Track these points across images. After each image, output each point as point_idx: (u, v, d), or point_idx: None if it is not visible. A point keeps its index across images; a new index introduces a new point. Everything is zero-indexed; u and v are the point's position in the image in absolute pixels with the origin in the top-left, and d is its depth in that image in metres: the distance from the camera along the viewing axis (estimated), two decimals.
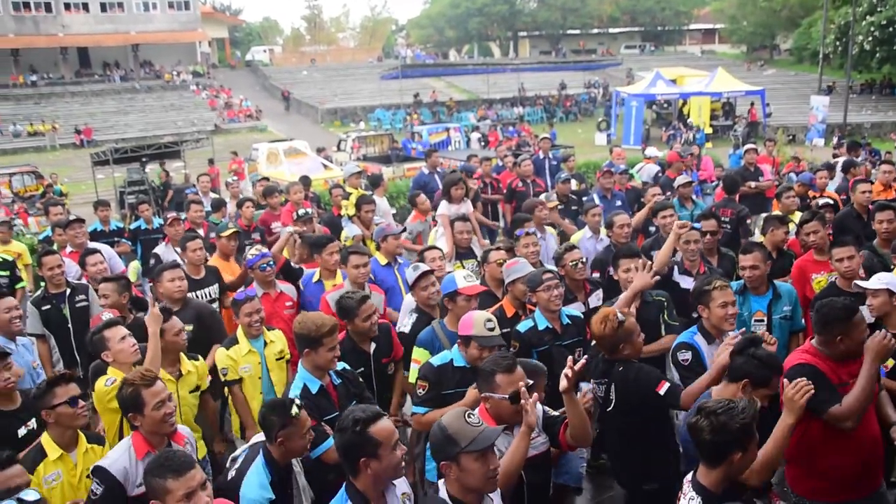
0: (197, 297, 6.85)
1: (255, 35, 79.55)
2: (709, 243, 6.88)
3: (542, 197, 9.58)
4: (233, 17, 75.65)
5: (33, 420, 4.53)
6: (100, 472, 3.73)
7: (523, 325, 5.35)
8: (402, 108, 45.28)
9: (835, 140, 26.97)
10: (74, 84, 52.40)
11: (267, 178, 14.40)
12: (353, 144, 27.13)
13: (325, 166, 22.76)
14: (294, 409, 3.89)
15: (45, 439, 4.07)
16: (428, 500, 3.30)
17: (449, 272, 5.98)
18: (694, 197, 9.97)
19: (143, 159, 21.16)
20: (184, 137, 25.75)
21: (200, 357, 5.47)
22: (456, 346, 4.68)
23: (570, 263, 6.17)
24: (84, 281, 7.42)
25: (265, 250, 6.72)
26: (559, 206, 9.27)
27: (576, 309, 5.95)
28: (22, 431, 4.50)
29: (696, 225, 6.76)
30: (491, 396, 3.74)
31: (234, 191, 13.14)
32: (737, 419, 3.13)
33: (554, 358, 5.08)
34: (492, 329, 4.49)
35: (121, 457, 3.80)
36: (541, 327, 5.33)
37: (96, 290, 6.93)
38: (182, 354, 5.22)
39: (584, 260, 6.32)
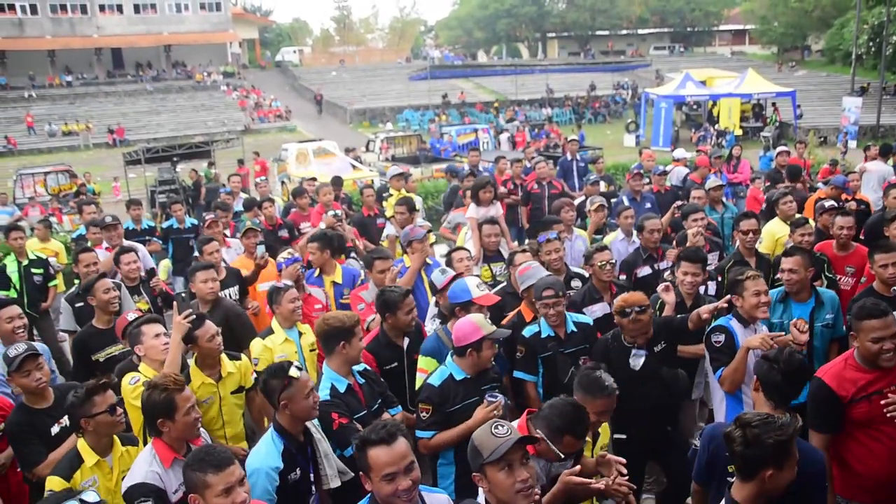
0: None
1: (284, 36, 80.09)
2: (749, 242, 6.87)
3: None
4: (263, 18, 76.29)
5: (65, 418, 4.54)
6: (140, 488, 3.61)
7: (528, 331, 5.30)
8: (430, 108, 45.36)
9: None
10: (108, 84, 53.24)
11: (314, 179, 14.34)
12: (382, 145, 27.22)
13: (354, 167, 22.88)
14: (293, 371, 3.93)
15: (82, 445, 4.04)
16: None
17: (475, 275, 5.97)
18: (725, 200, 9.87)
19: (174, 159, 21.40)
20: (214, 137, 25.98)
21: (244, 356, 5.44)
22: (451, 359, 4.55)
23: (599, 264, 6.18)
24: (117, 279, 7.54)
25: (297, 254, 6.85)
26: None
27: (599, 312, 5.99)
28: (55, 429, 4.57)
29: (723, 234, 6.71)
30: (546, 443, 3.63)
31: (262, 190, 13.23)
32: (772, 434, 3.05)
33: (557, 364, 5.18)
34: (490, 322, 4.52)
35: (150, 467, 3.71)
36: (544, 334, 5.29)
37: (129, 289, 7.07)
38: (223, 356, 5.18)
39: (612, 261, 6.32)
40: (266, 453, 3.91)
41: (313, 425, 4.19)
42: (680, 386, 5.31)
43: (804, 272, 5.54)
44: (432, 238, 9.43)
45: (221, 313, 6.24)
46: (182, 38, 56.42)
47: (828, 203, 7.81)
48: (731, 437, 3.14)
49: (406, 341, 5.36)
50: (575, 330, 5.39)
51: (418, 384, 4.99)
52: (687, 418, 6.05)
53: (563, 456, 3.66)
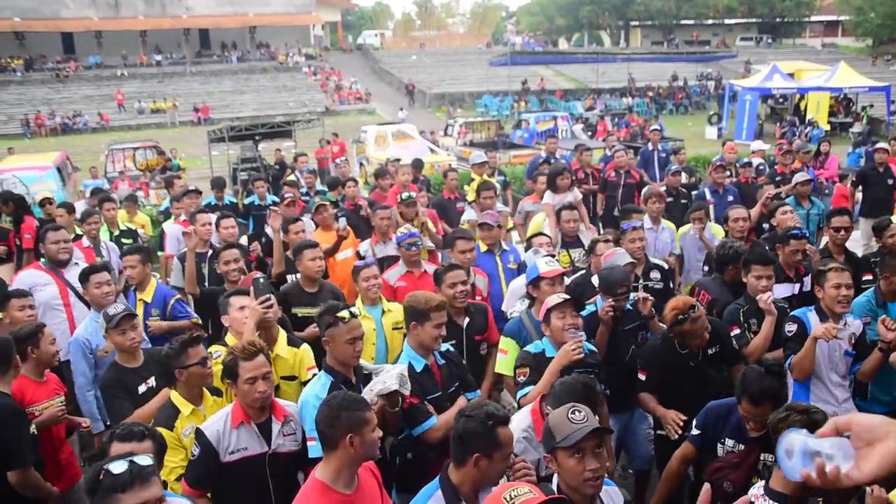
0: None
1: (366, 19, 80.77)
2: (840, 240, 6.71)
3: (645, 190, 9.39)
4: (346, 2, 76.90)
5: (152, 378, 4.82)
6: (199, 435, 3.82)
7: (586, 311, 5.31)
8: (509, 94, 45.12)
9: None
10: (195, 64, 54.68)
11: (398, 160, 14.42)
12: (460, 130, 27.23)
13: (432, 150, 22.96)
14: (344, 313, 4.11)
15: (175, 397, 4.26)
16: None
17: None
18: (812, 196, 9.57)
19: (256, 138, 21.85)
20: (295, 118, 26.39)
21: (305, 345, 5.15)
22: (546, 337, 4.69)
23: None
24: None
25: (414, 230, 6.75)
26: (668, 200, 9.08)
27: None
28: (142, 388, 4.79)
29: (807, 231, 6.50)
30: None
31: (342, 171, 13.42)
32: None
33: (619, 342, 5.24)
34: (566, 297, 4.64)
35: (217, 422, 3.86)
36: None
37: None
38: (282, 337, 5.06)
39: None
40: (312, 386, 4.16)
41: (366, 367, 4.35)
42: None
43: None
44: (510, 223, 9.45)
45: (329, 294, 6.11)
46: (266, 20, 57.51)
47: None
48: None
49: (466, 321, 5.42)
50: (631, 308, 5.41)
51: (498, 367, 5.15)
52: None
53: None
